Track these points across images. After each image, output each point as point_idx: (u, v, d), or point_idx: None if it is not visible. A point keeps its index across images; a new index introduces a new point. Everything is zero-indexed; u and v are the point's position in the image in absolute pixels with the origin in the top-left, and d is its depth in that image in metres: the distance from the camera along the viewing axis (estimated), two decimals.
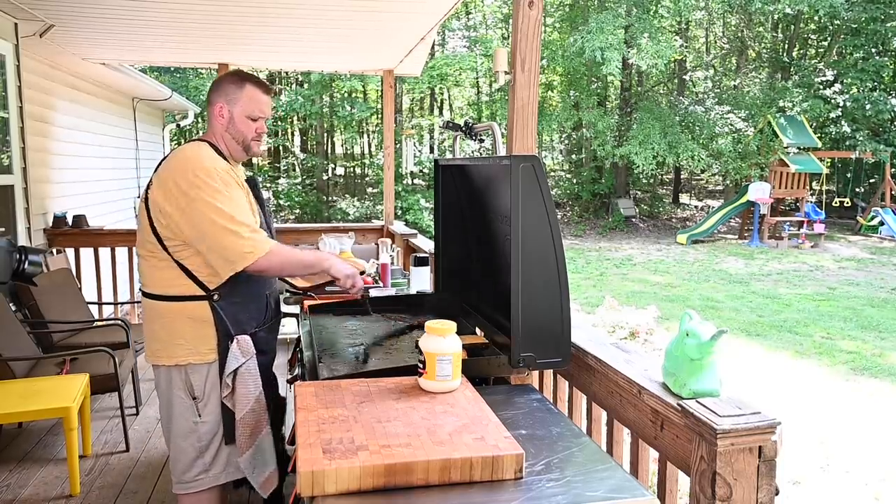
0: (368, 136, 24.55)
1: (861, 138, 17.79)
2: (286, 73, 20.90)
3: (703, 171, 22.03)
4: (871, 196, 18.67)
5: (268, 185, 19.68)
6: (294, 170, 21.64)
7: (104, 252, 5.70)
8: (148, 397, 4.32)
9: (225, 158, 2.16)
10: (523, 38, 2.03)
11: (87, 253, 5.68)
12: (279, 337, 2.44)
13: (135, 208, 8.21)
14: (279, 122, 20.93)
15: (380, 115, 14.99)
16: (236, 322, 2.10)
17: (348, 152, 24.91)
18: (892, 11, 18.24)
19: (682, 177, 24.17)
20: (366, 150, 24.79)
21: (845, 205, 18.21)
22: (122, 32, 4.85)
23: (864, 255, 14.65)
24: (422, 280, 3.03)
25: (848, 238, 17.17)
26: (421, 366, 1.68)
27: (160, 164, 2.10)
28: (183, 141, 15.58)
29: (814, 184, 17.26)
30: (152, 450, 3.62)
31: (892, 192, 17.22)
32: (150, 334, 2.14)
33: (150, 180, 2.08)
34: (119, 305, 5.90)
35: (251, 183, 2.25)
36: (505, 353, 1.90)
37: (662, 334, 6.32)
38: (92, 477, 3.31)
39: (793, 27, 21.91)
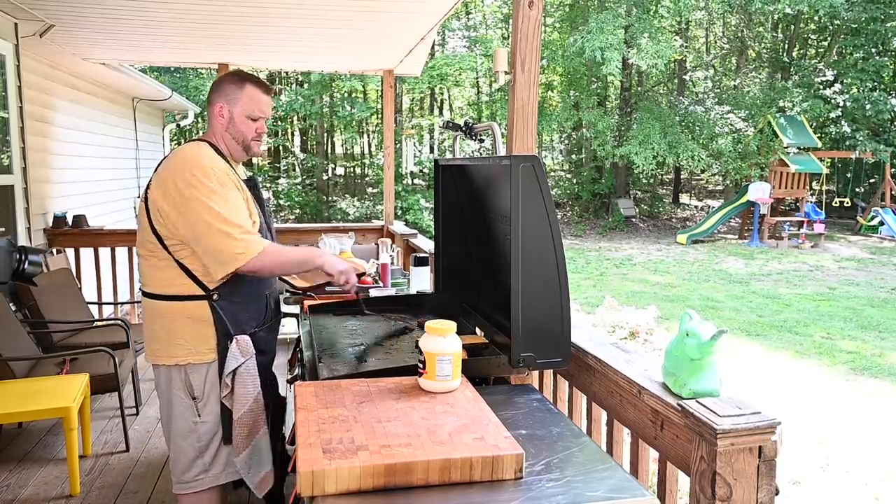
0: (368, 136, 24.55)
1: (861, 138, 17.79)
2: (286, 73, 20.90)
3: (703, 171, 22.03)
4: (871, 196, 18.67)
5: (268, 185, 19.69)
6: (294, 170, 21.65)
7: (104, 252, 5.70)
8: (148, 397, 4.32)
9: (225, 158, 2.16)
10: (523, 38, 2.03)
11: (87, 253, 5.68)
12: (279, 337, 2.44)
13: (135, 208, 8.21)
14: (279, 122, 20.93)
15: (380, 115, 14.99)
16: (236, 322, 2.10)
17: (348, 152, 24.91)
18: (892, 11, 18.24)
19: (682, 177, 24.17)
20: (366, 150, 24.79)
21: (845, 205, 18.21)
22: (122, 32, 4.85)
23: (864, 255, 14.65)
24: (422, 280, 3.03)
25: (848, 238, 17.17)
26: (421, 366, 1.68)
27: (160, 163, 2.10)
28: (183, 141, 15.58)
29: (814, 184, 17.26)
30: (152, 450, 3.62)
31: (892, 192, 17.22)
32: (150, 334, 2.15)
33: (150, 180, 2.08)
34: (119, 305, 5.90)
35: (251, 183, 2.25)
36: (505, 353, 1.89)
37: (662, 334, 6.32)
38: (92, 477, 3.31)
39: (793, 27, 21.91)
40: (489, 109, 22.05)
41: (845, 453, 4.74)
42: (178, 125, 12.15)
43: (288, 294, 2.78)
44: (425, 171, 20.35)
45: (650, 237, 18.27)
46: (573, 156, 24.00)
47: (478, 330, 2.30)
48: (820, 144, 17.36)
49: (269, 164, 21.30)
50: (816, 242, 15.77)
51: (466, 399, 1.64)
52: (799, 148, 16.73)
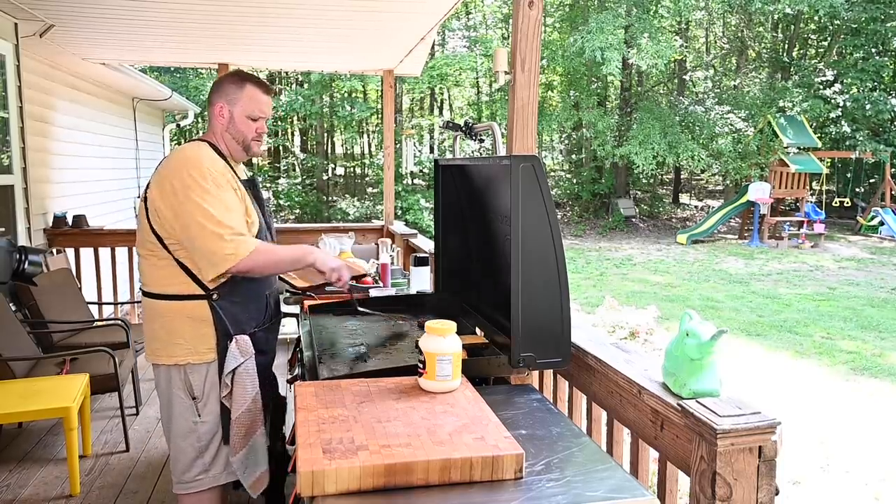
0: (368, 136, 24.55)
1: (861, 138, 17.79)
2: (286, 73, 20.90)
3: (703, 171, 22.03)
4: (871, 196, 18.67)
5: (268, 185, 19.68)
6: (294, 170, 21.65)
7: (104, 252, 5.70)
8: (148, 397, 4.32)
9: (225, 158, 2.16)
10: (523, 38, 2.03)
11: (87, 253, 5.68)
12: (279, 337, 2.44)
13: (135, 208, 8.21)
14: (279, 122, 20.93)
15: (380, 115, 14.98)
16: (235, 322, 2.10)
17: (348, 152, 24.91)
18: (892, 11, 18.24)
19: (682, 177, 24.17)
20: (366, 150, 24.79)
21: (845, 205, 18.21)
22: (122, 32, 4.85)
23: (864, 255, 14.65)
24: (422, 280, 3.03)
25: (848, 238, 17.17)
26: (421, 366, 1.68)
27: (161, 163, 2.11)
28: (183, 141, 15.59)
29: (814, 184, 17.26)
30: (152, 450, 3.62)
31: (892, 192, 17.22)
32: (150, 333, 2.15)
33: (150, 179, 2.09)
34: (119, 305, 5.90)
35: (251, 183, 2.25)
36: (505, 353, 1.89)
37: (662, 334, 6.32)
38: (92, 477, 3.31)
39: (793, 27, 21.91)
40: (489, 109, 22.05)
41: (845, 453, 4.74)
42: (178, 125, 12.15)
43: (288, 294, 2.79)
44: (425, 171, 20.35)
45: (650, 237, 18.27)
46: (573, 156, 24.00)
47: (478, 330, 2.30)
48: (820, 144, 17.36)
49: (269, 164, 21.30)
50: (816, 242, 15.77)
51: (466, 399, 1.64)
52: (799, 148, 16.73)
